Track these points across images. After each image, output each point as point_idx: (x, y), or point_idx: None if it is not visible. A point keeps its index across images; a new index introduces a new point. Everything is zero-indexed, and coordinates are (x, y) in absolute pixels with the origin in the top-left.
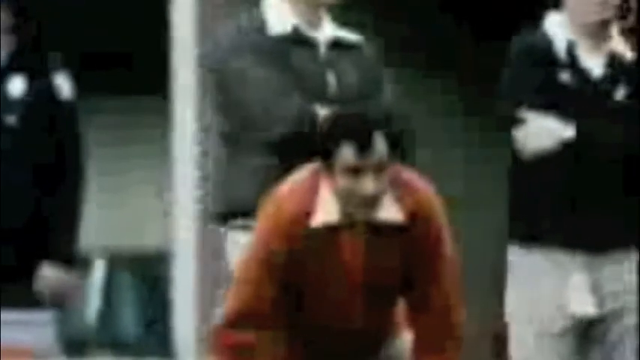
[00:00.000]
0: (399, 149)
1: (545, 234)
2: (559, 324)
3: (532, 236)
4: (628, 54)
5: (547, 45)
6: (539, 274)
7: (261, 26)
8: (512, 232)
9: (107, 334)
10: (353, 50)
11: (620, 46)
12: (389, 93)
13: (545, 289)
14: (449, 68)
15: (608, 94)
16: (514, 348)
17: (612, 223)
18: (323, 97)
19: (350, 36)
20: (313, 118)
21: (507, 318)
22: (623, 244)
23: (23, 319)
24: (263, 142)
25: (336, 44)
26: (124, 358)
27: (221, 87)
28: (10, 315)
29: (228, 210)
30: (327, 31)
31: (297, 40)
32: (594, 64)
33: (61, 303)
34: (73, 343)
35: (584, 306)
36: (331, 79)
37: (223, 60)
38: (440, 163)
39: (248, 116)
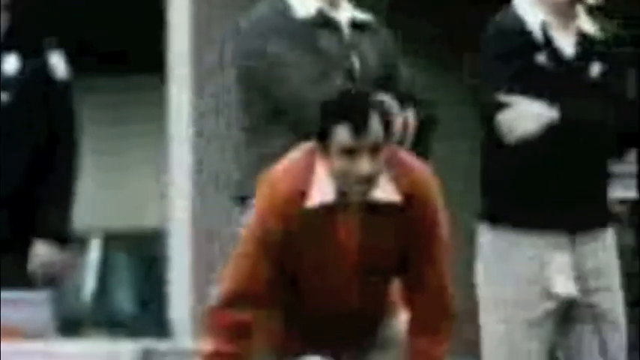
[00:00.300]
0: (420, 136)
1: (525, 215)
2: (540, 307)
3: (511, 218)
4: (596, 33)
5: (520, 27)
6: (518, 257)
7: (284, 10)
8: (484, 214)
9: (103, 314)
10: (369, 32)
11: (587, 24)
12: (403, 75)
13: (526, 272)
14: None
15: (584, 73)
16: (487, 334)
17: (592, 202)
18: (351, 79)
19: (366, 17)
20: None
21: (480, 303)
22: (602, 223)
23: (17, 298)
24: (295, 126)
25: (354, 26)
26: (119, 337)
27: (251, 71)
28: (3, 294)
29: (252, 194)
30: (347, 12)
31: (322, 22)
32: (566, 44)
33: (54, 281)
34: (69, 322)
35: (568, 287)
36: (355, 60)
37: (254, 45)
38: (450, 152)
39: (281, 101)
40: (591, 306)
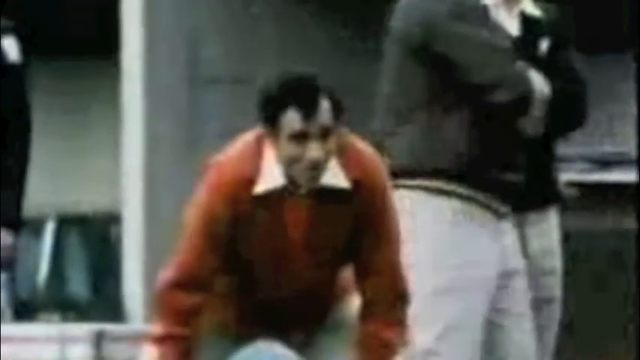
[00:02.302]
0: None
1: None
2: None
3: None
4: (536, 12)
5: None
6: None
7: None
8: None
9: (56, 297)
10: None
11: (530, 7)
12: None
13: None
14: None
15: (531, 53)
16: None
17: (541, 182)
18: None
19: None
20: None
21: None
22: (550, 202)
23: None
24: (470, 91)
25: None
26: (73, 320)
27: (427, 39)
28: None
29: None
30: None
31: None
32: (511, 28)
33: (8, 266)
34: (23, 305)
35: (517, 263)
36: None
37: (432, 12)
38: None
39: (460, 66)
40: (535, 288)
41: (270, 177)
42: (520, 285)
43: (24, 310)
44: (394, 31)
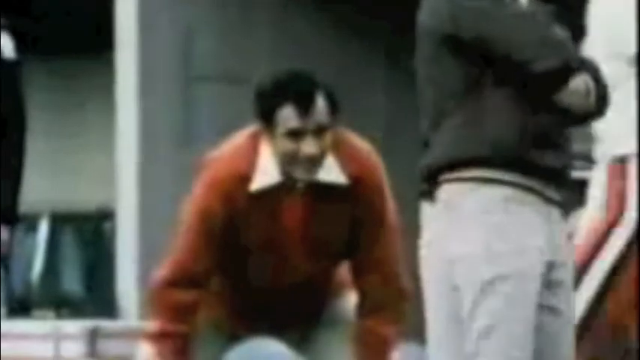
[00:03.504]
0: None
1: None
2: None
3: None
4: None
5: None
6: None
7: None
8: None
9: (50, 294)
10: None
11: None
12: None
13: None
14: None
15: None
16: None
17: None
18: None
19: None
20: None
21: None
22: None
23: None
24: (504, 67)
25: None
26: (67, 317)
27: (461, 22)
28: None
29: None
30: None
31: None
32: None
33: (3, 262)
34: (17, 302)
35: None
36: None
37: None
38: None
39: (492, 40)
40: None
41: (266, 174)
42: (567, 278)
43: (18, 307)
44: (423, 25)
